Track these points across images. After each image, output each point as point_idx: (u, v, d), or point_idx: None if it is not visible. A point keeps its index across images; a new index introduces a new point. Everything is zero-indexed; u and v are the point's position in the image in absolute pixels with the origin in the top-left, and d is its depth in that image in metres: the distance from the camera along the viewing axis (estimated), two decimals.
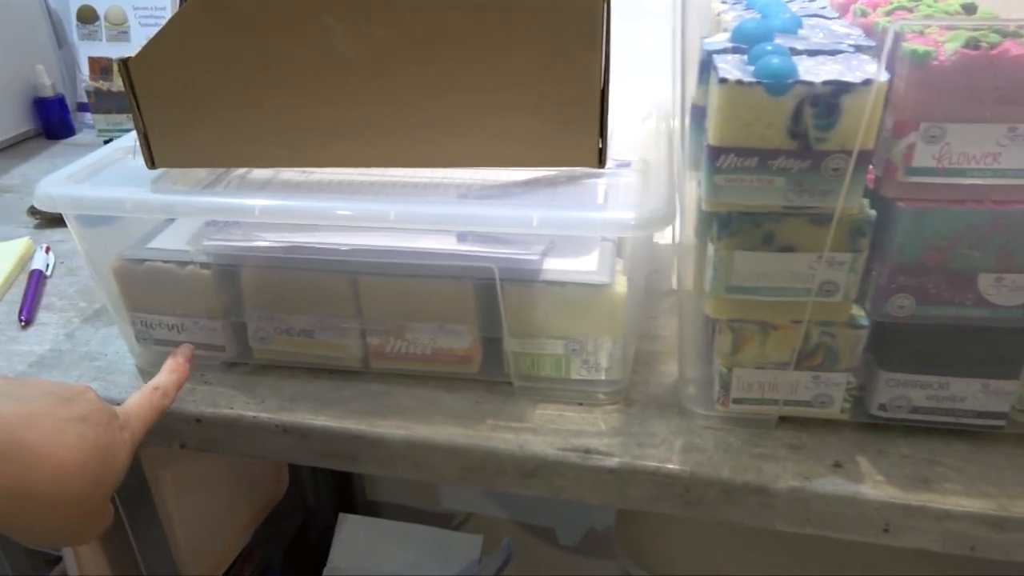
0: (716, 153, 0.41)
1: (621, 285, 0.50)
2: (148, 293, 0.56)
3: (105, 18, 1.12)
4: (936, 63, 0.39)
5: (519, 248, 0.50)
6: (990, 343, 0.46)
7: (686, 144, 0.47)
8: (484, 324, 0.53)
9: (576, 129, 0.50)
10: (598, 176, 0.53)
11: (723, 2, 0.54)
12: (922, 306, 0.44)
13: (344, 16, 0.47)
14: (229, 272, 0.54)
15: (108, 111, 1.10)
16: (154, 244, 0.55)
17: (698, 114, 0.45)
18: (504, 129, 0.50)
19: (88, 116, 1.13)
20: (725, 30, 0.45)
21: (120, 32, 1.12)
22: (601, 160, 0.51)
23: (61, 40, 1.15)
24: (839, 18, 0.50)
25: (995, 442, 0.48)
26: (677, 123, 0.53)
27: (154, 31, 1.11)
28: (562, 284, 0.50)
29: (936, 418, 0.48)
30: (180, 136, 0.52)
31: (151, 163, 0.53)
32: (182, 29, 0.49)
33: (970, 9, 0.49)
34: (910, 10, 0.48)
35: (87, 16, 1.13)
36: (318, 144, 0.51)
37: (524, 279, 0.50)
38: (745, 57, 0.42)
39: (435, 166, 0.53)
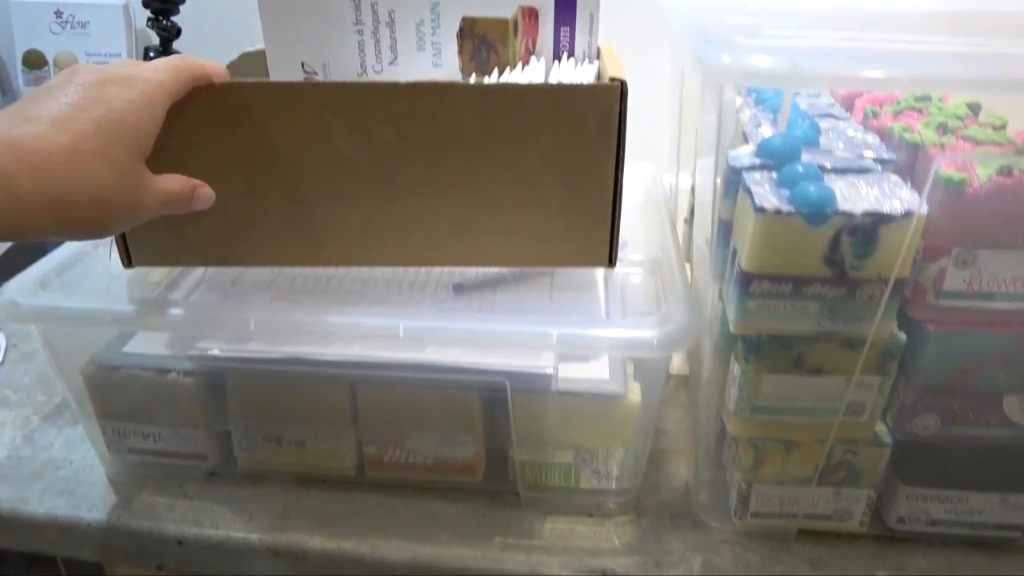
0: (749, 279, 0.40)
1: (635, 394, 0.48)
2: (123, 401, 0.51)
3: (55, 64, 1.06)
4: (971, 190, 0.38)
5: (530, 356, 0.47)
6: (1011, 460, 0.45)
7: (711, 255, 0.45)
8: (490, 433, 0.50)
9: (587, 230, 0.48)
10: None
11: (738, 94, 0.53)
12: (946, 425, 0.44)
13: (346, 115, 0.44)
14: (215, 380, 0.50)
15: None
16: (130, 347, 0.51)
17: (723, 229, 0.44)
18: (512, 229, 0.48)
19: None
20: (747, 140, 0.44)
21: None
22: (612, 261, 0.50)
23: (5, 87, 1.08)
24: (849, 118, 0.50)
25: (1011, 553, 0.48)
26: (679, 211, 0.52)
27: None
28: (574, 394, 0.48)
29: (954, 531, 0.48)
30: (160, 232, 0.48)
31: (127, 261, 0.49)
32: (169, 119, 0.45)
33: (975, 108, 0.49)
34: (919, 111, 0.48)
35: (34, 61, 1.06)
36: (312, 243, 0.48)
37: (535, 389, 0.48)
38: (774, 175, 0.41)
39: (438, 265, 0.51)
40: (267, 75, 0.50)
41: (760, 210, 0.38)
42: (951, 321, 0.41)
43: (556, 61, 0.52)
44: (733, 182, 0.43)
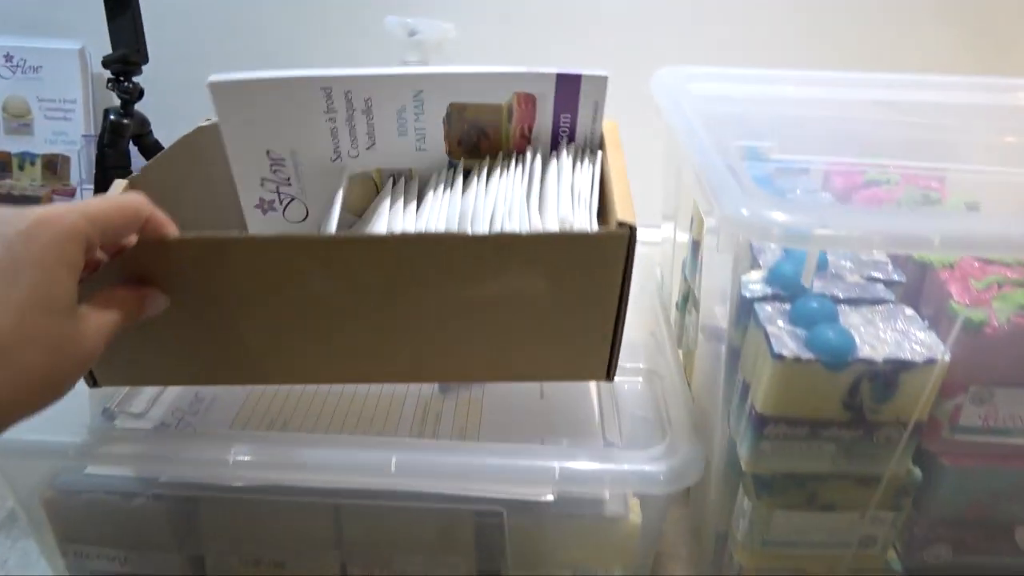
0: (764, 421, 0.38)
1: (636, 514, 0.46)
2: (86, 524, 0.47)
3: (4, 108, 1.01)
4: (990, 331, 0.37)
5: (527, 480, 0.45)
6: None
7: (721, 382, 0.43)
8: (482, 555, 0.48)
9: (586, 351, 0.46)
10: None
11: None
12: (957, 555, 0.43)
13: (324, 265, 0.40)
14: (187, 504, 0.47)
15: None
16: (94, 468, 0.47)
17: (731, 356, 0.42)
18: (504, 352, 0.45)
19: None
20: (759, 265, 0.42)
21: (22, 124, 1.01)
22: (610, 376, 0.47)
23: None
24: None
25: None
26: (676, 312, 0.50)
27: (63, 125, 0.99)
28: (572, 516, 0.46)
29: None
30: (126, 352, 0.44)
31: (92, 382, 0.46)
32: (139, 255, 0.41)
33: (972, 207, 0.49)
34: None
35: None
36: (292, 364, 0.45)
37: (531, 513, 0.45)
38: (787, 307, 0.39)
39: (424, 382, 0.48)
40: (227, 158, 0.46)
41: (779, 357, 0.36)
42: (966, 455, 0.40)
43: (554, 151, 0.49)
44: (744, 310, 0.41)
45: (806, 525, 0.41)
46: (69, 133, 1.00)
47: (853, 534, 0.41)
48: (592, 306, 0.42)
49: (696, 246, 0.54)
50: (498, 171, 0.47)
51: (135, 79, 0.74)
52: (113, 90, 0.74)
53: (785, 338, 0.37)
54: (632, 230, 0.38)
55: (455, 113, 0.46)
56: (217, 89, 0.41)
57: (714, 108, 0.50)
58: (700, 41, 0.84)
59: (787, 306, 0.39)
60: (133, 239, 0.37)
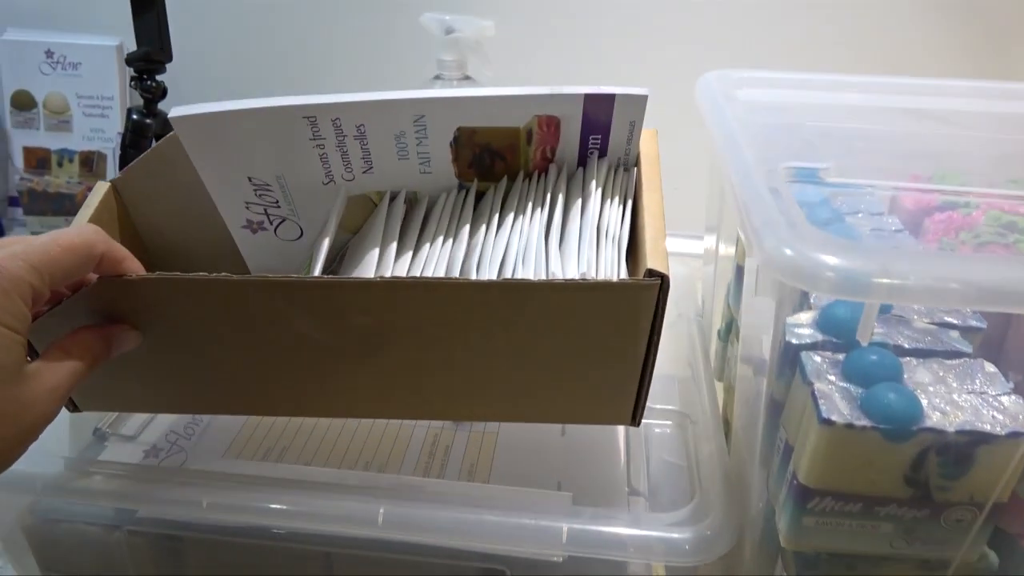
0: (808, 494, 0.32)
1: (660, 569, 0.41)
2: (68, 554, 0.44)
3: (44, 105, 1.00)
4: None
5: (536, 537, 0.40)
6: None
7: (759, 438, 0.37)
8: None
9: (611, 397, 0.40)
10: None
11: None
12: None
13: (308, 308, 0.36)
14: (170, 543, 0.43)
15: (43, 212, 0.97)
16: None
17: (773, 409, 0.36)
18: (518, 393, 0.40)
19: (20, 212, 1.01)
20: (809, 305, 0.36)
21: (61, 121, 1.00)
22: (636, 421, 0.42)
23: None
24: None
25: None
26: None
27: (100, 122, 0.96)
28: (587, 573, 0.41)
29: None
30: (109, 377, 0.41)
31: (73, 406, 0.42)
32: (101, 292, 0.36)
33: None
34: (1007, 245, 0.40)
35: (23, 102, 1.00)
36: (289, 397, 0.41)
37: (539, 572, 0.40)
38: (840, 358, 0.33)
39: (434, 419, 0.44)
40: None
41: (827, 422, 0.30)
42: None
43: (581, 168, 0.44)
44: (789, 357, 0.35)
45: None
46: (106, 130, 0.99)
47: None
48: (616, 357, 0.37)
49: (740, 272, 0.48)
50: (516, 197, 0.42)
51: (158, 77, 0.72)
52: (136, 88, 0.71)
53: (836, 398, 0.31)
54: (664, 280, 0.33)
55: (464, 137, 0.41)
56: (181, 124, 0.37)
57: (764, 118, 0.44)
58: (745, 41, 0.77)
59: (840, 357, 0.33)
60: (92, 276, 0.34)
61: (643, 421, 0.45)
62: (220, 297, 0.35)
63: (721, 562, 0.36)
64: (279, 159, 0.39)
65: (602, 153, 0.43)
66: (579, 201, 0.41)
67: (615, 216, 0.40)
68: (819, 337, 0.34)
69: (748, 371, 0.39)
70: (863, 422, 0.30)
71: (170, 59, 0.71)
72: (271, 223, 0.41)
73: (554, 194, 0.42)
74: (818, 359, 0.33)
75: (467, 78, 0.82)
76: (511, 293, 0.34)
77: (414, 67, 0.84)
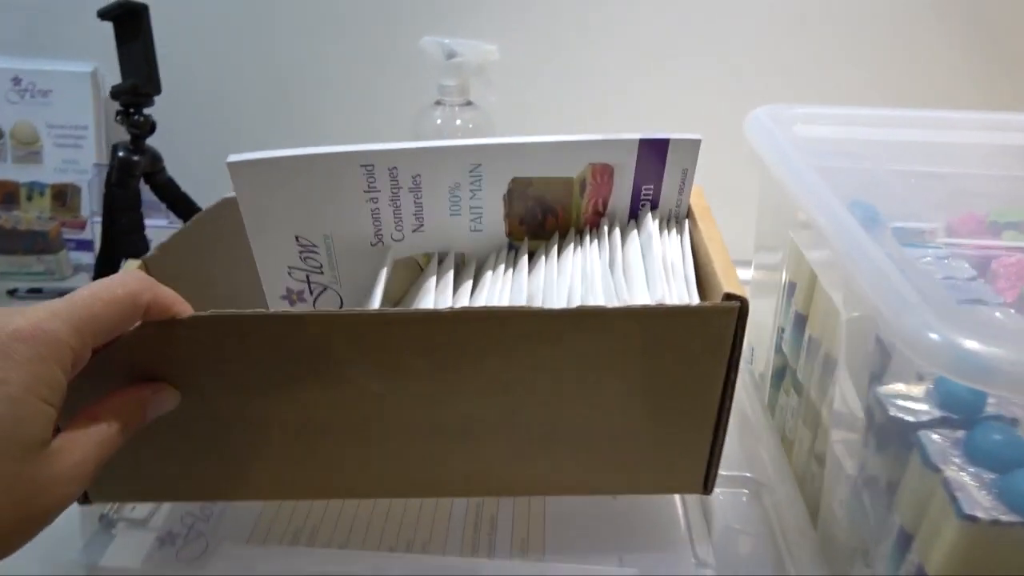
0: None
1: None
2: None
3: (11, 136, 0.94)
4: None
5: None
6: None
7: (858, 518, 0.34)
8: None
9: (680, 457, 0.38)
10: None
11: None
12: None
13: (363, 348, 0.33)
14: None
15: (12, 251, 0.91)
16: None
17: (873, 487, 0.33)
18: (584, 460, 0.37)
19: None
20: (920, 378, 0.33)
21: (30, 153, 0.94)
22: (708, 487, 0.39)
23: None
24: (1002, 303, 0.40)
25: None
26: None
27: (74, 152, 0.91)
28: None
29: None
30: (123, 464, 0.36)
31: (83, 498, 0.38)
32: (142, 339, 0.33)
33: None
34: None
35: None
36: (323, 476, 0.37)
37: None
38: (959, 435, 0.30)
39: (486, 496, 0.40)
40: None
41: (969, 519, 0.27)
42: None
43: (632, 221, 0.41)
44: (890, 432, 0.32)
45: None
46: (80, 161, 0.94)
47: None
48: (692, 397, 0.35)
49: (801, 320, 0.45)
50: (571, 248, 0.39)
51: (146, 111, 0.67)
52: (122, 124, 0.66)
53: (971, 490, 0.28)
54: (744, 303, 0.32)
55: (517, 189, 0.38)
56: (237, 170, 0.34)
57: (831, 161, 0.41)
58: (754, 73, 0.75)
59: (959, 435, 0.30)
60: None
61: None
62: (274, 338, 0.32)
63: None
64: (329, 215, 0.36)
65: (654, 205, 0.41)
66: (637, 245, 0.38)
67: (677, 254, 0.38)
68: (936, 413, 0.31)
69: (838, 444, 0.36)
70: (1010, 517, 0.27)
71: (159, 91, 0.66)
72: (312, 292, 0.37)
73: (612, 240, 0.39)
74: (937, 439, 0.30)
75: (469, 103, 0.78)
76: (586, 321, 0.32)
77: (413, 92, 0.80)
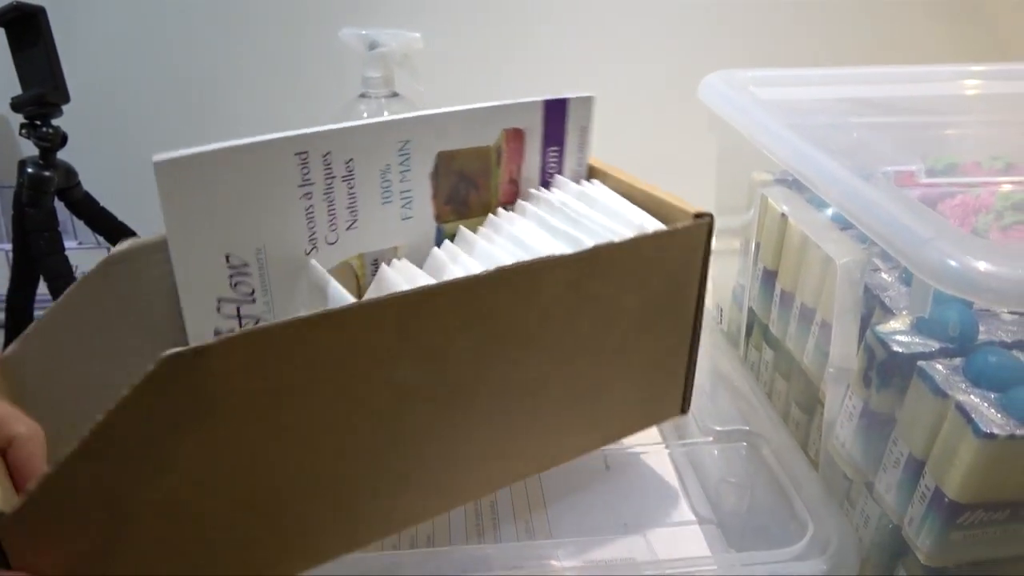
0: (959, 510, 0.31)
1: None
2: None
3: None
4: None
5: None
6: None
7: (858, 451, 0.36)
8: None
9: (665, 383, 0.40)
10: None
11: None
12: None
13: (420, 339, 0.30)
14: None
15: None
16: None
17: (873, 423, 0.35)
18: (593, 412, 0.38)
19: None
20: (888, 310, 0.35)
21: None
22: (685, 407, 0.42)
23: None
24: None
25: None
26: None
27: None
28: None
29: None
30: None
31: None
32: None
33: None
34: None
35: None
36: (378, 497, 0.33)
37: None
38: (957, 363, 0.32)
39: (514, 481, 0.40)
40: (165, 275, 0.32)
41: (988, 436, 0.29)
42: None
43: (543, 188, 0.42)
44: (892, 367, 0.34)
45: None
46: None
47: None
48: (674, 319, 0.38)
49: (770, 276, 0.47)
50: (516, 219, 0.39)
51: (54, 122, 0.62)
52: (29, 138, 0.61)
53: (983, 410, 0.30)
54: (712, 218, 0.35)
55: (442, 165, 0.38)
56: (164, 171, 0.29)
57: (801, 119, 0.42)
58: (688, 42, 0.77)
59: (956, 363, 0.32)
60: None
61: (702, 442, 0.44)
62: (310, 350, 0.27)
63: None
64: (263, 222, 0.32)
65: (560, 169, 0.42)
66: (574, 197, 0.40)
67: (613, 196, 0.40)
68: (934, 345, 0.33)
69: (838, 375, 0.38)
70: (1022, 431, 0.29)
71: (67, 100, 0.61)
72: (242, 327, 0.34)
73: (550, 203, 0.40)
74: (942, 369, 0.32)
75: (395, 95, 0.76)
76: (601, 259, 0.33)
77: (336, 87, 0.77)
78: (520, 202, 0.41)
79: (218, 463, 0.27)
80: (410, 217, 0.39)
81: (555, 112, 0.40)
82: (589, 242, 0.33)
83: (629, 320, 0.36)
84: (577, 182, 0.42)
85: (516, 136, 0.40)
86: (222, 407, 0.26)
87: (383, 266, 0.37)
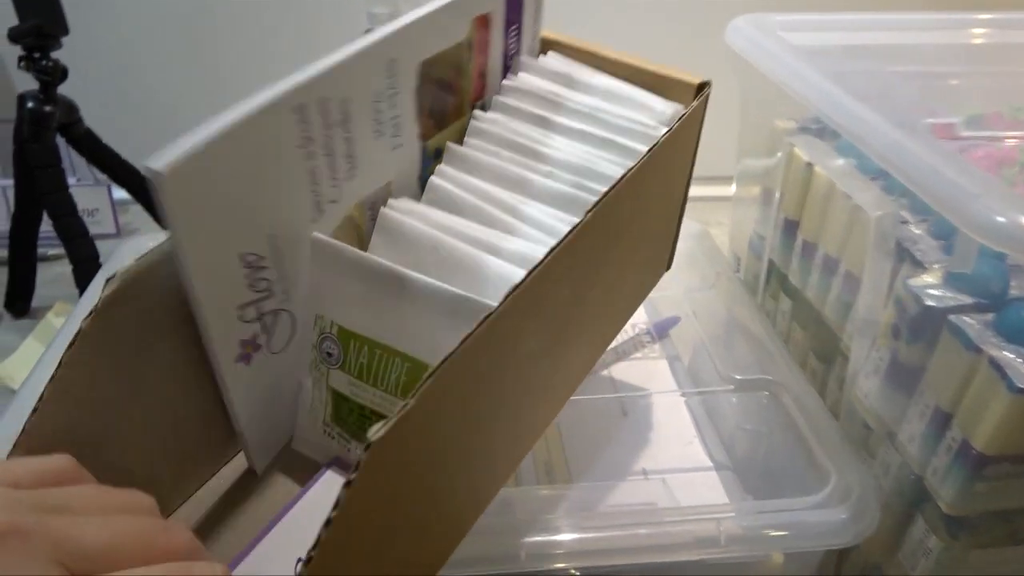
0: (985, 462, 0.31)
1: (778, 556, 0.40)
2: None
3: None
4: None
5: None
6: None
7: (881, 401, 0.36)
8: None
9: (661, 244, 0.43)
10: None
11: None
12: None
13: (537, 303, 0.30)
14: None
15: None
16: None
17: (902, 373, 0.35)
18: (625, 294, 0.41)
19: None
20: (919, 263, 0.35)
21: None
22: (669, 263, 0.44)
23: None
24: None
25: None
26: None
27: None
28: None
29: None
30: None
31: None
32: None
33: None
34: None
35: None
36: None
37: None
38: (988, 318, 0.33)
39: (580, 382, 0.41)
40: (169, 299, 0.29)
41: (1022, 391, 0.29)
42: None
43: (507, 72, 0.41)
44: (924, 321, 0.34)
45: (1002, 560, 0.35)
46: None
47: None
48: (676, 185, 0.40)
49: (791, 226, 0.47)
50: (496, 122, 0.39)
51: (54, 55, 0.60)
52: (28, 70, 0.59)
53: (1017, 365, 0.30)
54: (710, 82, 0.36)
55: (425, 75, 0.36)
56: (167, 183, 0.25)
57: (834, 64, 0.41)
58: None
59: (988, 317, 0.33)
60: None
61: (721, 390, 0.44)
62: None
63: None
64: (270, 203, 0.30)
65: (518, 49, 0.41)
66: (574, 93, 0.40)
67: (604, 78, 0.40)
68: (966, 299, 0.33)
69: (866, 327, 0.38)
70: None
71: (66, 32, 0.59)
72: (265, 331, 0.33)
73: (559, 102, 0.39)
74: (972, 322, 0.32)
75: None
76: (649, 165, 0.33)
77: (339, 25, 0.75)
78: (495, 97, 0.40)
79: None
80: (400, 145, 0.36)
81: None
82: (615, 138, 0.35)
83: (657, 200, 0.38)
84: (535, 57, 0.42)
85: (484, 24, 0.39)
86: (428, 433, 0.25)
87: (384, 211, 0.35)
